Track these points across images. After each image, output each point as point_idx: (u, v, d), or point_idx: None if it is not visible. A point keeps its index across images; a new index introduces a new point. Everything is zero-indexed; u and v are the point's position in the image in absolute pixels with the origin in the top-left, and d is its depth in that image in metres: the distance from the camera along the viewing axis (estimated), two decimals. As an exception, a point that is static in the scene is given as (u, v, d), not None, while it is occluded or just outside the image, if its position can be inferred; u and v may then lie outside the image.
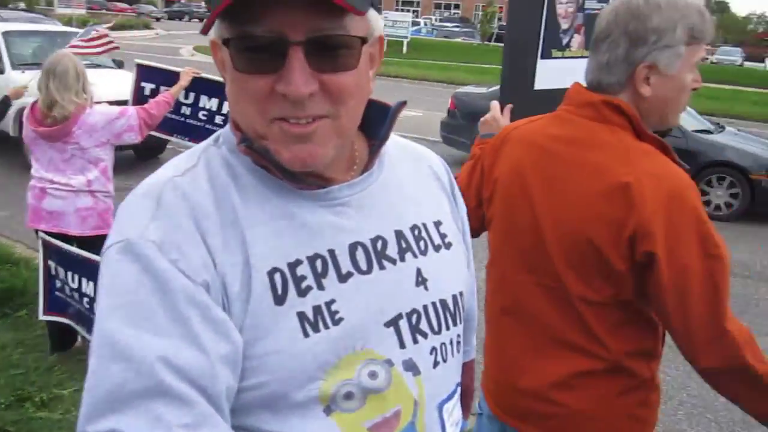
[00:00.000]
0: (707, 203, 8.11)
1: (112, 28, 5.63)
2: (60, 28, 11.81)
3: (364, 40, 0.83)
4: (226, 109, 4.09)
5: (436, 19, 53.58)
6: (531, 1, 2.69)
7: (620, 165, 1.39)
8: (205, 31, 0.83)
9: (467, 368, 1.20)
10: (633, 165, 1.38)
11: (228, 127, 0.92)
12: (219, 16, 0.80)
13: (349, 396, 0.85)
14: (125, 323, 0.75)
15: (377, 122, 0.95)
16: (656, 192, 1.34)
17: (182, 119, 4.08)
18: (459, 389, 1.02)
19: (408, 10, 45.53)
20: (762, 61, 40.05)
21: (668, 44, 1.38)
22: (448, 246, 1.01)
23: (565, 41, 2.81)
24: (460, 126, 9.55)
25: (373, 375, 0.87)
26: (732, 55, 40.41)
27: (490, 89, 9.85)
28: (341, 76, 0.81)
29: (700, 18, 1.40)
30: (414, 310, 0.92)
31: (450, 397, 0.98)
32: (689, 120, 8.67)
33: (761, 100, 19.59)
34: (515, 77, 2.74)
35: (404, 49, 27.22)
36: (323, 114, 0.82)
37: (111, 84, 7.50)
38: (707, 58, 38.13)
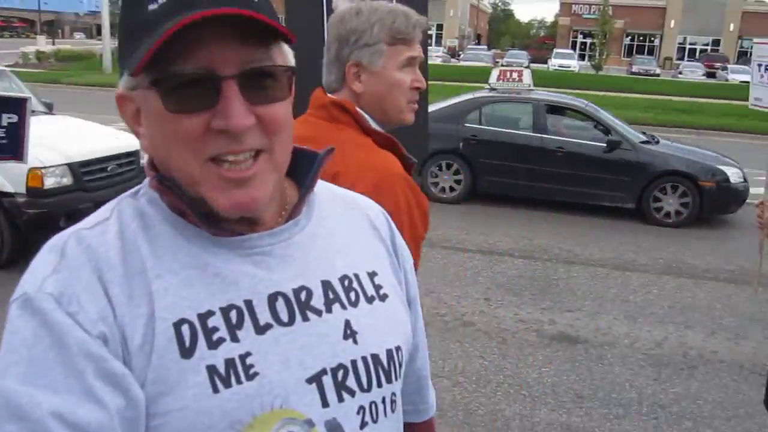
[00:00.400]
0: (658, 210, 8.51)
1: None
2: None
3: (294, 71, 0.84)
4: (5, 121, 3.96)
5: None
6: (310, 13, 2.71)
7: (335, 157, 1.51)
8: (137, 73, 0.77)
9: (425, 426, 1.18)
10: (345, 157, 1.50)
11: (148, 180, 0.88)
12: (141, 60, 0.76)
13: None
14: (19, 381, 0.71)
15: (307, 170, 0.94)
16: (361, 180, 1.45)
17: None
18: None
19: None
20: (545, 62, 43.92)
21: (367, 43, 1.54)
22: (383, 298, 0.95)
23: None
24: None
25: None
26: (519, 58, 43.65)
27: (431, 108, 9.78)
28: (273, 107, 0.81)
29: (405, 20, 1.55)
30: (340, 365, 0.86)
31: None
32: (632, 132, 9.09)
33: (547, 98, 21.49)
34: (306, 89, 2.76)
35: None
36: (259, 147, 0.80)
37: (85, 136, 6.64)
38: (498, 61, 41.11)
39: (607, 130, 8.92)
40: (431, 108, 9.70)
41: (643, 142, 8.90)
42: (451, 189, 9.15)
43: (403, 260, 1.05)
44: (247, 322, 0.82)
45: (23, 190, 5.62)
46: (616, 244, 7.62)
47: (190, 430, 0.76)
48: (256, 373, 0.80)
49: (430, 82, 3.10)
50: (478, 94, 9.67)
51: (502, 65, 39.88)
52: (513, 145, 9.00)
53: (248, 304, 0.82)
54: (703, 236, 8.18)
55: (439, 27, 57.44)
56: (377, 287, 0.96)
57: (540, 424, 3.82)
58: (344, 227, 0.98)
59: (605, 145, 8.70)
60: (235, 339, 0.80)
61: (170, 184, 0.82)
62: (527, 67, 39.51)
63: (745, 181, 8.52)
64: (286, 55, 0.86)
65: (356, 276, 0.94)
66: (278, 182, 0.86)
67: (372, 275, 0.96)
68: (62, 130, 6.69)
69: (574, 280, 6.30)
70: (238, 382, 0.78)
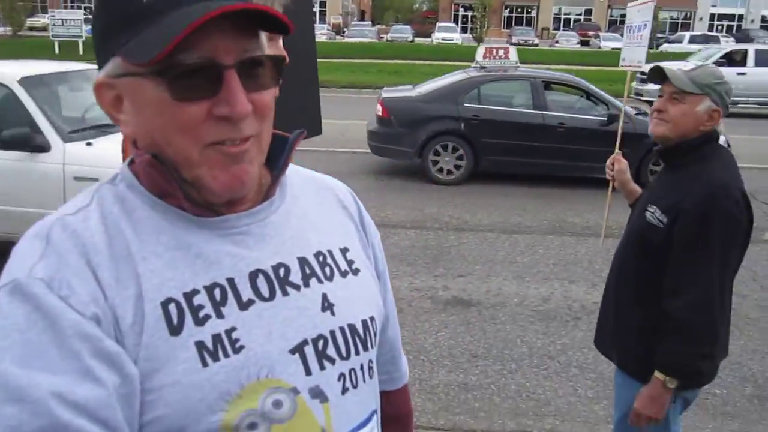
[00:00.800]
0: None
1: None
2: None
3: (283, 59, 0.89)
4: None
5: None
6: None
7: None
8: (154, 62, 0.77)
9: (400, 393, 1.22)
10: None
11: (125, 166, 0.91)
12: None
13: (252, 426, 0.82)
14: (16, 364, 0.73)
15: (278, 153, 0.97)
16: None
17: None
18: (376, 416, 1.00)
19: (79, 7, 41.87)
20: (429, 36, 44.51)
21: None
22: (355, 272, 1.01)
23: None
24: (397, 134, 9.00)
25: (277, 404, 0.84)
26: (404, 33, 44.15)
27: (419, 92, 9.45)
28: (264, 94, 0.85)
29: None
30: (320, 336, 0.91)
31: (363, 425, 0.96)
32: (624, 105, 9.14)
33: (432, 71, 21.80)
34: None
35: (80, 50, 24.35)
36: (253, 134, 0.84)
37: None
38: (383, 37, 41.34)
39: (603, 103, 9.03)
40: (423, 88, 9.58)
41: (636, 114, 9.03)
42: (455, 169, 9.02)
43: (371, 236, 1.11)
44: (231, 298, 0.86)
45: None
46: (503, 209, 7.91)
47: (182, 403, 0.79)
48: (242, 347, 0.84)
49: (318, 60, 3.11)
50: (471, 73, 9.50)
51: (387, 40, 40.23)
52: (516, 123, 8.94)
53: (231, 281, 0.87)
54: (584, 195, 8.63)
55: (323, 4, 56.97)
56: (350, 262, 1.02)
57: (439, 386, 3.96)
58: (316, 207, 1.03)
59: (605, 118, 8.80)
60: (220, 315, 0.84)
61: (161, 161, 0.84)
62: (412, 41, 39.92)
63: (728, 146, 8.84)
64: (267, 45, 0.90)
65: (330, 252, 0.99)
66: (261, 164, 0.90)
67: (344, 251, 1.02)
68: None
69: (465, 247, 6.50)
70: (226, 355, 0.82)
